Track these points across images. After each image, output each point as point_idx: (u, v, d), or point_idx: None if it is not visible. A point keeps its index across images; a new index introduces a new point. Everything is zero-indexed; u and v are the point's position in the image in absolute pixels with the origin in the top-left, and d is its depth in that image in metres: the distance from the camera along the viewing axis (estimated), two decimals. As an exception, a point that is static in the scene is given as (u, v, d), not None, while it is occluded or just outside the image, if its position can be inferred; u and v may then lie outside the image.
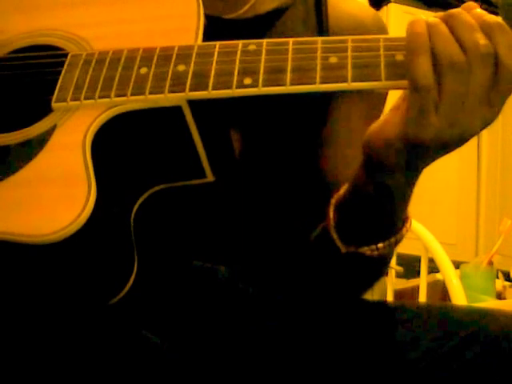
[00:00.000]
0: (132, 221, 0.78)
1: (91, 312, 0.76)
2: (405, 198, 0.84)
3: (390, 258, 0.93)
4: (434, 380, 0.84)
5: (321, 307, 0.93)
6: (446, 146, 0.76)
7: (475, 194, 3.53)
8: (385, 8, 3.43)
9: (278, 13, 1.00)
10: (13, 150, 0.79)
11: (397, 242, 0.87)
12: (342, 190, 0.87)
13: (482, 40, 0.73)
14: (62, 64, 0.82)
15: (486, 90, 0.73)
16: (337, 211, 0.87)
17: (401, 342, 0.87)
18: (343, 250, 0.87)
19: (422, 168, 0.81)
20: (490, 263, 2.23)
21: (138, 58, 0.79)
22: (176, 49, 0.79)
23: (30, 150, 0.77)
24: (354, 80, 0.75)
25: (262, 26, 0.97)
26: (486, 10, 0.75)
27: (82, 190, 0.72)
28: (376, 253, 0.86)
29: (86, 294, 0.75)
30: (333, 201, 0.88)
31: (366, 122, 0.81)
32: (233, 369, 0.89)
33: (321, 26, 1.00)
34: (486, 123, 0.75)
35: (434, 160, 0.79)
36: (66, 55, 0.83)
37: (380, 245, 0.85)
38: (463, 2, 0.77)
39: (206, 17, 0.83)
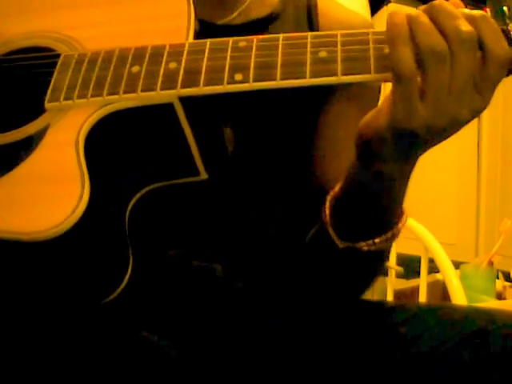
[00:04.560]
0: (127, 219, 0.79)
1: (87, 311, 0.76)
2: (400, 190, 0.84)
3: (387, 255, 0.93)
4: (433, 380, 0.84)
5: (321, 307, 0.93)
6: (436, 135, 0.76)
7: (475, 194, 3.53)
8: (385, 8, 3.42)
9: (268, 20, 1.01)
10: (6, 150, 0.79)
11: (393, 237, 0.87)
12: (337, 187, 0.87)
13: (463, 26, 0.72)
14: (54, 65, 0.82)
15: (471, 77, 0.73)
16: (333, 207, 0.87)
17: (401, 342, 0.87)
18: (340, 245, 0.86)
19: (416, 158, 0.80)
20: (490, 263, 2.23)
21: (130, 57, 0.80)
22: (167, 47, 0.80)
23: (24, 149, 0.77)
24: (344, 73, 0.75)
25: (251, 32, 0.97)
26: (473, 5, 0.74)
27: (76, 188, 0.72)
28: (373, 248, 0.86)
29: (80, 291, 0.75)
30: (328, 197, 0.88)
31: (359, 119, 0.80)
32: (232, 368, 0.89)
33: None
34: (476, 111, 0.75)
35: (426, 149, 0.79)
36: (58, 56, 0.83)
37: (377, 240, 0.86)
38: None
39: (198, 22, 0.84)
